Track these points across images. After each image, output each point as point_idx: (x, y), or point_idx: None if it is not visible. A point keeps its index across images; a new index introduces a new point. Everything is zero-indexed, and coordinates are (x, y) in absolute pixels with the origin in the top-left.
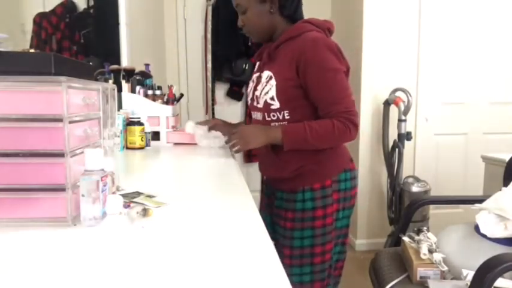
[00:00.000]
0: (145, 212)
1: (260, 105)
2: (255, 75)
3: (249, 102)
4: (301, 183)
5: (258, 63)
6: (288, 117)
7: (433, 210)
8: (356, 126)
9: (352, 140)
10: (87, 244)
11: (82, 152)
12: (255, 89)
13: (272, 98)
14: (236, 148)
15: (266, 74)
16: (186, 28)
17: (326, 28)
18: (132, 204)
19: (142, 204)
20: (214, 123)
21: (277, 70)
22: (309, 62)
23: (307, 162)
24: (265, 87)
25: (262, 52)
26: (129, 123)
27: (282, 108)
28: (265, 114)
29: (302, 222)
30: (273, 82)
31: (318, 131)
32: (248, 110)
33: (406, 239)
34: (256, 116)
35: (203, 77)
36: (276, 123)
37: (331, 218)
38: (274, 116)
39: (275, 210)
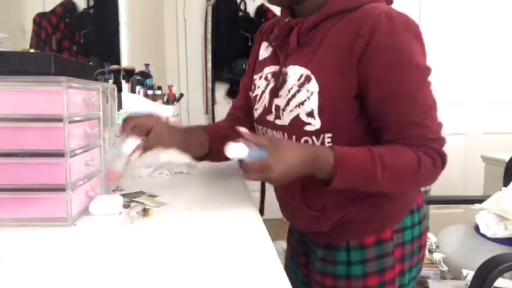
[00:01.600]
0: (145, 212)
1: (284, 122)
2: (267, 70)
3: (257, 112)
4: (344, 236)
5: (266, 46)
6: (329, 142)
7: (433, 210)
8: (445, 162)
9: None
10: (87, 244)
11: (82, 152)
12: (274, 94)
13: (310, 113)
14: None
15: (296, 71)
16: (186, 28)
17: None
18: (132, 204)
19: (143, 203)
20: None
21: (320, 67)
22: (382, 51)
23: (355, 208)
24: (299, 95)
25: (273, 26)
26: None
27: (322, 130)
28: (293, 136)
29: None
30: (314, 87)
31: (395, 166)
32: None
33: None
34: (271, 135)
35: (203, 77)
36: None
37: (392, 286)
38: (307, 142)
39: (309, 268)
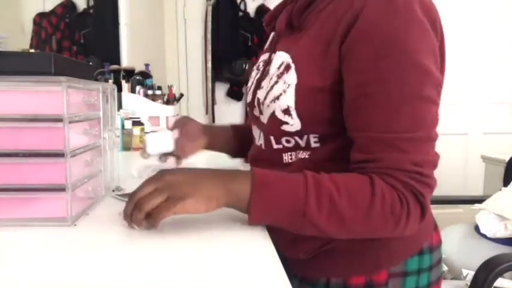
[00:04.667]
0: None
1: (264, 119)
2: (261, 58)
3: (248, 107)
4: (325, 269)
5: (271, 36)
6: (317, 145)
7: (433, 210)
8: (424, 210)
9: (410, 233)
10: (87, 244)
11: (82, 152)
12: (257, 84)
13: (286, 111)
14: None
15: (279, 58)
16: (186, 28)
17: None
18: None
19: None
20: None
21: (302, 54)
22: (366, 38)
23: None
24: (276, 87)
25: (275, 15)
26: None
27: (304, 131)
28: (272, 138)
29: None
30: (291, 78)
31: (336, 202)
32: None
33: None
34: (256, 135)
35: (203, 77)
36: (292, 157)
37: None
38: (289, 142)
39: None
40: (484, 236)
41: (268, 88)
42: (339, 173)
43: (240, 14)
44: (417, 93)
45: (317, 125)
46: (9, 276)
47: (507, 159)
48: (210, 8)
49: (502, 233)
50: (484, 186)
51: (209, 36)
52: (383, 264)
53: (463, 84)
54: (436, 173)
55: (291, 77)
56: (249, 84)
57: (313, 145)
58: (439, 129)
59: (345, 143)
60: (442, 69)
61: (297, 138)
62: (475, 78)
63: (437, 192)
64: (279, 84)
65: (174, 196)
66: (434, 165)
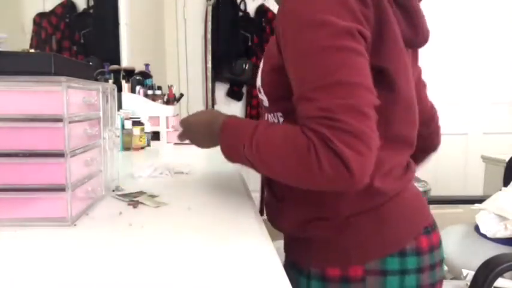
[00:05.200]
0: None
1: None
2: None
3: None
4: (306, 258)
5: None
6: (282, 119)
7: (433, 210)
8: (340, 153)
9: (338, 186)
10: (87, 244)
11: (82, 152)
12: None
13: (259, 89)
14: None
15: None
16: (186, 28)
17: None
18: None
19: (143, 203)
20: None
21: (272, 40)
22: (283, 13)
23: (314, 219)
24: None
25: None
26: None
27: (271, 109)
28: (264, 116)
29: None
30: (261, 63)
31: (260, 142)
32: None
33: None
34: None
35: (203, 77)
36: None
37: None
38: (271, 119)
39: None
40: (484, 236)
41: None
42: (284, 124)
43: (240, 14)
44: (316, 46)
45: (278, 104)
46: (9, 276)
47: (507, 159)
48: (210, 8)
49: (502, 233)
50: (484, 186)
51: (209, 36)
52: (354, 259)
53: (463, 84)
54: (436, 173)
55: (261, 63)
56: None
57: (281, 123)
58: None
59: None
60: (380, 20)
61: (271, 115)
62: (475, 78)
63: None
64: (259, 71)
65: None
66: (355, 109)
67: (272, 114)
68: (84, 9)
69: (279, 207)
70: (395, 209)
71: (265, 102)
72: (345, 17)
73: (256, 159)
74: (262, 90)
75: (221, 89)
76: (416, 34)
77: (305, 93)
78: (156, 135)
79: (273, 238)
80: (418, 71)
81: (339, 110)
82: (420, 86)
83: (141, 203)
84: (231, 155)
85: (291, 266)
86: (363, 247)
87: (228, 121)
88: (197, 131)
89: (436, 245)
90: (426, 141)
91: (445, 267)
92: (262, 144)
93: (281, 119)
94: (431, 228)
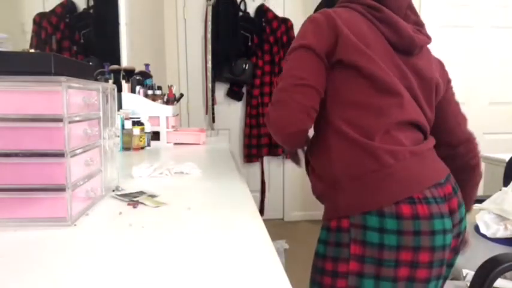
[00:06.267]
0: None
1: None
2: None
3: None
4: (323, 214)
5: None
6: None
7: None
8: (268, 115)
9: (273, 131)
10: (87, 244)
11: (82, 152)
12: None
13: None
14: None
15: None
16: (186, 28)
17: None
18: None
19: (143, 203)
20: None
21: None
22: None
23: (320, 181)
24: None
25: None
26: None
27: None
28: None
29: (312, 272)
30: None
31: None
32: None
33: None
34: None
35: (203, 77)
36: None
37: (343, 282)
38: None
39: None
40: (484, 236)
41: None
42: None
43: (240, 14)
44: (289, 59)
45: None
46: (9, 276)
47: (507, 159)
48: (210, 8)
49: (502, 233)
50: (484, 186)
51: (209, 36)
52: (342, 213)
53: (463, 84)
54: None
55: None
56: None
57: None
58: None
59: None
60: (339, 41)
61: None
62: (475, 78)
63: None
64: None
65: None
66: (275, 95)
67: None
68: (84, 9)
69: (309, 172)
70: (375, 174)
71: None
72: (300, 40)
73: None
74: None
75: (221, 89)
76: (401, 37)
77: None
78: (156, 135)
79: (273, 238)
80: (442, 79)
81: (277, 89)
82: (449, 95)
83: (141, 203)
84: None
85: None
86: (348, 205)
87: None
88: None
89: (423, 216)
90: (457, 159)
91: (438, 228)
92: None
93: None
94: (418, 200)
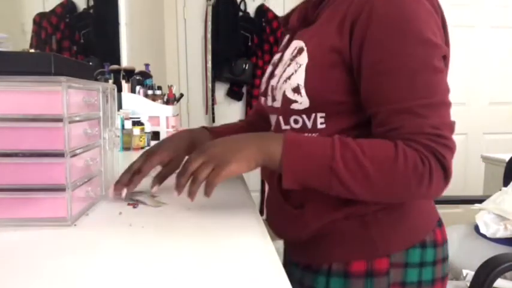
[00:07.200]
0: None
1: (277, 103)
2: (275, 57)
3: (262, 99)
4: (326, 254)
5: (285, 39)
6: (323, 126)
7: None
8: (447, 171)
9: (436, 196)
10: (87, 244)
11: (82, 152)
12: (270, 75)
13: (296, 89)
14: (199, 181)
15: (294, 45)
16: (186, 28)
17: None
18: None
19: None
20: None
21: (313, 36)
22: (379, 18)
23: (340, 215)
24: (288, 69)
25: (290, 17)
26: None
27: (312, 109)
28: (281, 118)
29: None
30: (303, 59)
31: (361, 160)
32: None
33: None
34: (272, 121)
35: (203, 77)
36: None
37: None
38: (297, 123)
39: None
40: (484, 236)
41: (282, 72)
42: (364, 138)
43: (240, 14)
44: (427, 64)
45: (324, 103)
46: (8, 276)
47: (507, 159)
48: (210, 8)
49: (502, 233)
50: (484, 186)
51: (209, 36)
52: (380, 250)
53: (463, 84)
54: None
55: (303, 58)
56: (263, 79)
57: (319, 126)
58: None
59: (349, 124)
60: (446, 43)
61: (304, 117)
62: (475, 78)
63: None
64: (291, 66)
65: (219, 165)
66: (451, 128)
67: (306, 116)
68: (84, 9)
69: (296, 214)
70: (414, 202)
71: (303, 104)
72: (439, 39)
73: (353, 172)
74: (304, 90)
75: (221, 89)
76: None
77: (415, 108)
78: (156, 135)
79: (273, 238)
80: None
81: (446, 128)
82: None
83: (142, 202)
84: (303, 171)
85: (298, 267)
86: (389, 238)
87: (292, 134)
88: (228, 143)
89: (446, 239)
90: None
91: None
92: (361, 155)
93: (321, 120)
94: (441, 222)
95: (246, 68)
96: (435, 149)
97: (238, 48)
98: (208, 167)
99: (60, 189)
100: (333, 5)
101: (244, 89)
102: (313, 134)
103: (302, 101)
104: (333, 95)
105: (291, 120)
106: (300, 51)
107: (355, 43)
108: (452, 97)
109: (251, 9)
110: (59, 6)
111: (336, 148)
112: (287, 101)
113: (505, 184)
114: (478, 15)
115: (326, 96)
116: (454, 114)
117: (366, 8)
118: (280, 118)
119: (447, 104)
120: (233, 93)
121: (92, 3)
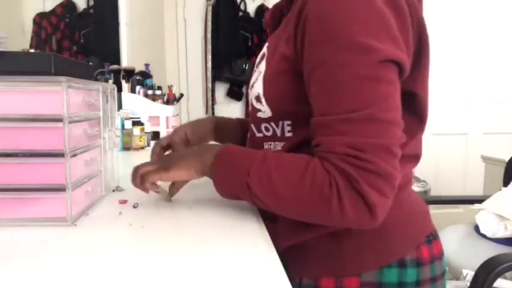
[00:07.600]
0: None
1: (251, 110)
2: (257, 60)
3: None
4: (298, 268)
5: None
6: (290, 134)
7: (433, 210)
8: (366, 193)
9: (362, 226)
10: (87, 244)
11: (82, 152)
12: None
13: (258, 98)
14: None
15: (263, 50)
16: (186, 28)
17: None
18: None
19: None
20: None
21: (272, 43)
22: (312, 22)
23: (311, 232)
24: (253, 76)
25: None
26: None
27: (276, 118)
28: (253, 126)
29: None
30: (263, 66)
31: (273, 176)
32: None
33: None
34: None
35: (203, 77)
36: (271, 147)
37: None
38: (268, 130)
39: None
40: (484, 236)
41: (253, 79)
42: (294, 154)
43: (240, 14)
44: (356, 73)
45: (285, 113)
46: (9, 276)
47: (507, 159)
48: (210, 8)
49: (502, 233)
50: (484, 186)
51: (209, 36)
52: (348, 269)
53: (463, 84)
54: (436, 173)
55: (263, 66)
56: None
57: (287, 134)
58: (439, 129)
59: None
60: (422, 46)
61: (273, 125)
62: (475, 78)
63: (438, 192)
64: (255, 73)
65: (161, 167)
66: (384, 149)
67: (274, 124)
68: (84, 9)
69: (271, 228)
70: (395, 217)
71: (266, 113)
72: (387, 43)
73: (265, 188)
74: (264, 99)
75: (221, 89)
76: None
77: (333, 124)
78: (156, 135)
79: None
80: None
81: (368, 148)
82: None
83: (157, 192)
84: (228, 184)
85: None
86: (360, 256)
87: (227, 147)
88: (182, 154)
89: (438, 256)
90: None
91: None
92: (274, 172)
93: (288, 128)
94: (432, 237)
95: (246, 68)
96: (347, 172)
97: (238, 48)
98: (153, 166)
99: (60, 189)
100: (296, 5)
101: (244, 89)
102: (283, 143)
103: (265, 110)
104: (291, 105)
105: (262, 127)
106: (263, 57)
107: (299, 50)
108: (452, 97)
109: (251, 9)
110: (59, 6)
111: (254, 164)
112: (254, 109)
113: (505, 184)
114: (478, 15)
115: (284, 106)
116: (455, 114)
117: (305, 10)
118: (253, 126)
119: (378, 120)
120: (233, 93)
121: (92, 3)
